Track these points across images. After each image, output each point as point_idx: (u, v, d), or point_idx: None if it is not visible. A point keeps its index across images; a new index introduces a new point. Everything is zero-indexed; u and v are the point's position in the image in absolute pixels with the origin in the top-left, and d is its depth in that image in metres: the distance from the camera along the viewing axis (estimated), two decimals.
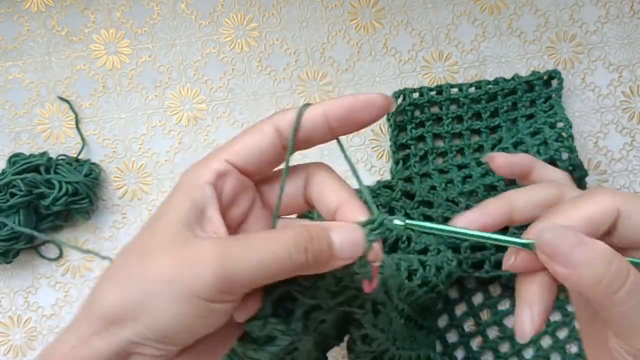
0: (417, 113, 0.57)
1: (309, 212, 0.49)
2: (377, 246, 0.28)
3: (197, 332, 0.26)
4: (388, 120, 0.57)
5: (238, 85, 0.60)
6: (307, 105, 0.28)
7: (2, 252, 0.54)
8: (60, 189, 0.54)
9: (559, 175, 0.36)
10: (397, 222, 0.28)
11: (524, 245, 0.28)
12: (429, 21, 0.60)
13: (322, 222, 0.28)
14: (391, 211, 0.54)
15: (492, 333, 0.56)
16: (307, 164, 0.31)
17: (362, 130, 0.59)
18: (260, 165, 0.29)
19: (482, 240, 0.29)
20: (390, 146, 0.57)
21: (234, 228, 0.30)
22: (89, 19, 0.61)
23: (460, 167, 0.56)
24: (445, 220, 0.53)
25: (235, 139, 0.29)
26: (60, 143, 0.59)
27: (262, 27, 0.60)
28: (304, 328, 0.29)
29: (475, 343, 0.56)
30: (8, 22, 0.61)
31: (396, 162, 0.57)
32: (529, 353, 0.55)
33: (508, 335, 0.55)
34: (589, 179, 0.56)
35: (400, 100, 0.57)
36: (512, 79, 0.57)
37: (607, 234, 0.29)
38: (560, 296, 0.55)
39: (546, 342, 0.55)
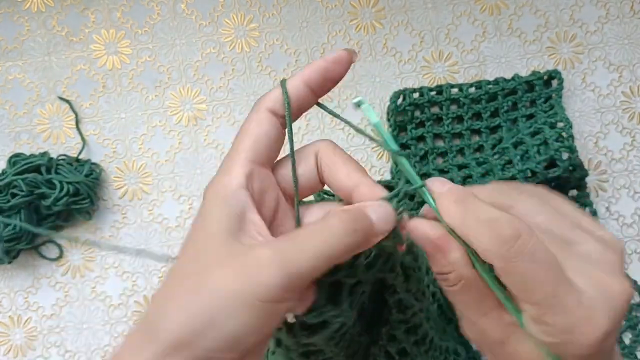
0: (417, 113, 0.57)
1: (323, 191, 0.49)
2: (405, 215, 0.30)
3: (266, 333, 0.27)
4: (388, 120, 0.57)
5: (238, 85, 0.60)
6: (284, 80, 0.31)
7: (4, 252, 0.54)
8: (62, 189, 0.54)
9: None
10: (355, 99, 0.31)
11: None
12: (429, 21, 0.60)
13: (356, 203, 0.30)
14: None
15: None
16: (313, 144, 0.32)
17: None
18: (271, 151, 0.31)
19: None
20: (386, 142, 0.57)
21: (268, 225, 0.31)
22: (89, 19, 0.61)
23: (460, 167, 0.56)
24: None
25: (242, 137, 0.30)
26: (60, 143, 0.59)
27: (262, 27, 0.60)
28: (350, 306, 0.31)
29: None
30: (8, 22, 0.61)
31: (396, 164, 0.57)
32: None
33: None
34: (589, 179, 0.56)
35: (400, 100, 0.57)
36: (513, 79, 0.57)
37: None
38: None
39: None
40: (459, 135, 0.58)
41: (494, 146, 0.56)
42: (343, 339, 0.33)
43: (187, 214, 0.58)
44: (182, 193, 0.58)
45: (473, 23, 0.60)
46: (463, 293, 0.29)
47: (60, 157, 0.57)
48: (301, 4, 0.60)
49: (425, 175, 0.57)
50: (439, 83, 0.59)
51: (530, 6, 0.60)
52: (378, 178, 0.58)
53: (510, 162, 0.53)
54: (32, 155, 0.56)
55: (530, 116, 0.57)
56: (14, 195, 0.54)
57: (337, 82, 0.31)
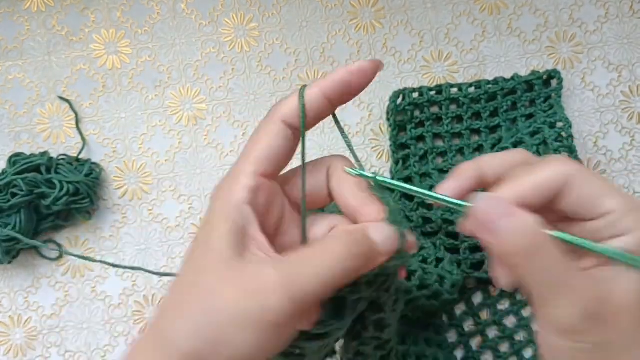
0: (416, 113, 0.57)
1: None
2: (409, 237, 0.30)
3: (273, 351, 0.28)
4: (388, 120, 0.57)
5: (238, 85, 0.60)
6: (303, 87, 0.30)
7: (4, 252, 0.54)
8: (62, 189, 0.54)
9: (512, 156, 0.33)
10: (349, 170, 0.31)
11: (461, 206, 0.30)
12: (429, 21, 0.60)
13: (357, 224, 0.30)
14: None
15: (492, 333, 0.56)
16: (327, 158, 0.32)
17: (362, 130, 0.59)
18: (280, 163, 0.30)
19: (432, 199, 0.31)
20: (390, 146, 0.57)
21: (271, 235, 0.31)
22: (89, 19, 0.61)
23: None
24: (445, 221, 0.53)
25: (252, 147, 0.30)
26: (60, 143, 0.59)
27: (262, 27, 0.60)
28: (350, 318, 0.31)
29: (475, 343, 0.56)
30: (8, 22, 0.61)
31: (396, 162, 0.57)
32: (528, 353, 0.55)
33: (508, 335, 0.55)
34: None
35: (400, 100, 0.57)
36: (512, 78, 0.57)
37: (557, 201, 0.29)
38: None
39: None
40: (459, 135, 0.58)
41: (493, 146, 0.56)
42: (329, 345, 0.34)
43: (187, 214, 0.58)
44: (182, 193, 0.58)
45: (473, 23, 0.60)
46: (557, 254, 0.28)
47: (60, 157, 0.57)
48: (301, 4, 0.61)
49: (425, 175, 0.57)
50: (439, 83, 0.59)
51: (529, 6, 0.60)
52: (355, 93, 0.58)
53: None
54: (32, 155, 0.56)
55: (530, 116, 0.57)
56: (14, 195, 0.54)
57: (358, 93, 0.31)
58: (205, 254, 0.28)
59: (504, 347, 0.55)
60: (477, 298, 0.56)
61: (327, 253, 0.27)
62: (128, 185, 0.59)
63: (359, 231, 0.28)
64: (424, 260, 0.52)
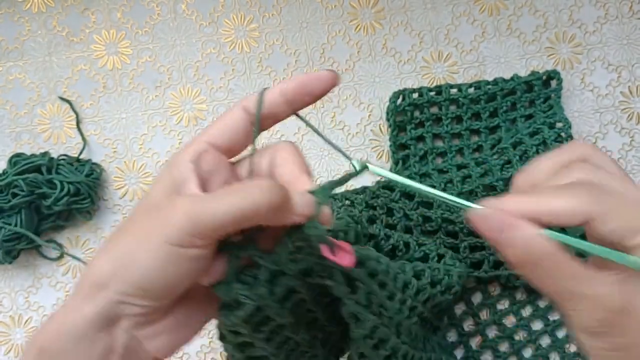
0: (416, 113, 0.58)
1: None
2: (326, 209, 0.30)
3: (171, 284, 0.28)
4: (388, 120, 0.57)
5: (238, 85, 0.60)
6: (266, 88, 0.32)
7: (5, 252, 0.54)
8: (62, 189, 0.54)
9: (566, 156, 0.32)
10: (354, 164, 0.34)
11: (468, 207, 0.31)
12: (429, 22, 0.60)
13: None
14: (390, 212, 0.55)
15: (492, 332, 0.56)
16: (276, 144, 0.33)
17: (361, 131, 0.59)
18: (233, 141, 0.32)
19: (434, 197, 0.32)
20: (390, 146, 0.58)
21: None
22: (89, 20, 0.61)
23: (459, 167, 0.57)
24: (445, 221, 0.53)
25: (212, 123, 0.33)
26: (61, 143, 0.60)
27: (262, 27, 0.61)
28: (270, 294, 0.30)
29: (475, 342, 0.56)
30: (9, 23, 0.61)
31: (396, 162, 0.57)
32: (528, 352, 0.55)
33: (507, 334, 0.55)
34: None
35: (399, 100, 0.57)
36: (512, 79, 0.57)
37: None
38: None
39: (545, 341, 0.55)
40: (458, 135, 0.58)
41: (493, 146, 0.57)
42: (273, 336, 0.33)
43: None
44: None
45: (472, 23, 0.60)
46: (563, 263, 0.28)
47: (60, 157, 0.57)
48: (301, 5, 0.61)
49: (425, 175, 0.57)
50: (439, 83, 0.59)
51: (529, 7, 0.60)
52: (378, 178, 0.58)
53: (509, 162, 0.53)
54: (32, 155, 0.56)
55: (529, 116, 0.57)
56: (14, 195, 0.54)
57: (316, 98, 0.33)
58: (143, 200, 0.31)
59: (504, 347, 0.55)
60: (477, 298, 0.56)
61: (242, 189, 0.28)
62: (128, 186, 0.59)
63: (281, 185, 0.29)
64: (426, 257, 0.52)
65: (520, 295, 0.56)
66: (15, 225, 0.54)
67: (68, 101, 0.60)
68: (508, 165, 0.53)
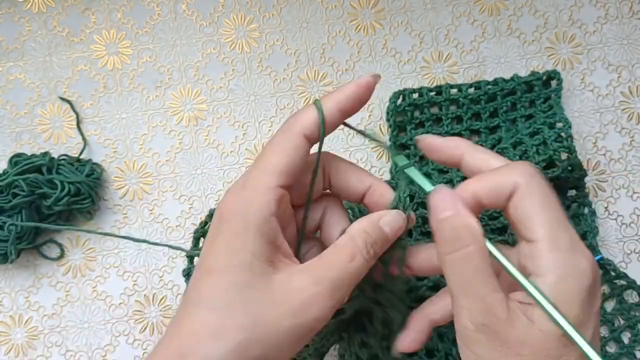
0: (416, 113, 0.58)
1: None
2: (412, 215, 0.35)
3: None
4: (388, 120, 0.57)
5: (238, 85, 0.60)
6: (318, 101, 0.32)
7: (4, 253, 0.54)
8: (63, 189, 0.54)
9: (496, 162, 0.34)
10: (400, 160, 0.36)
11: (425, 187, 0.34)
12: (429, 22, 0.60)
13: (372, 214, 0.33)
14: None
15: None
16: (315, 154, 0.33)
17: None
18: (297, 175, 0.32)
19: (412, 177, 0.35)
20: (390, 146, 0.58)
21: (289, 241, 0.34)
22: (89, 20, 0.61)
23: None
24: None
25: (271, 157, 0.31)
26: (61, 143, 0.60)
27: (262, 27, 0.61)
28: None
29: None
30: (9, 23, 0.61)
31: (395, 162, 0.57)
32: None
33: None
34: (587, 179, 0.57)
35: (400, 100, 0.57)
36: (512, 79, 0.57)
37: (507, 209, 0.31)
38: None
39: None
40: (458, 135, 0.58)
41: (493, 146, 0.57)
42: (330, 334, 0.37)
43: (188, 214, 0.58)
44: (183, 193, 0.59)
45: (472, 24, 0.60)
46: (475, 261, 0.29)
47: (61, 157, 0.58)
48: (301, 5, 0.61)
49: (425, 175, 0.56)
50: (439, 83, 0.59)
51: (529, 7, 0.60)
52: (362, 106, 0.59)
53: None
54: (33, 155, 0.56)
55: (529, 116, 0.57)
56: (15, 195, 0.54)
57: (363, 105, 0.34)
58: (241, 269, 0.29)
59: None
60: None
61: (351, 255, 0.30)
62: (129, 186, 0.59)
63: (374, 226, 0.32)
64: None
65: None
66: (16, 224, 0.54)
67: (68, 101, 0.60)
68: None
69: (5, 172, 0.55)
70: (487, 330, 0.28)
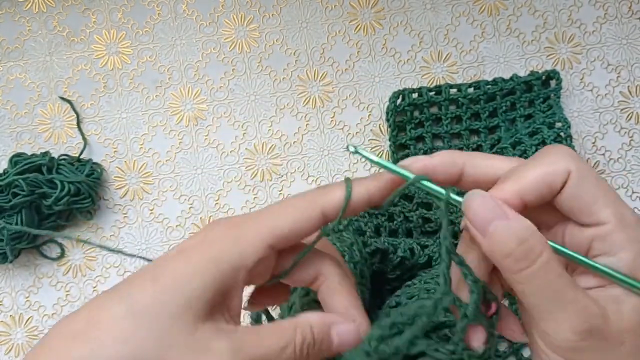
0: (416, 113, 0.58)
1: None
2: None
3: None
4: (387, 120, 0.57)
5: (238, 85, 0.60)
6: (349, 182, 0.29)
7: (4, 253, 0.55)
8: (63, 189, 0.54)
9: (503, 163, 0.30)
10: (350, 148, 0.31)
11: (441, 194, 0.29)
12: (428, 22, 0.60)
13: (325, 317, 0.30)
14: (390, 217, 0.55)
15: None
16: (322, 257, 0.31)
17: (361, 131, 0.59)
18: (295, 241, 0.30)
19: (403, 177, 0.30)
20: (390, 146, 0.58)
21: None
22: (89, 20, 0.61)
23: None
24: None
25: (281, 216, 0.29)
26: (61, 143, 0.60)
27: (262, 27, 0.61)
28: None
29: None
30: (9, 23, 0.61)
31: (395, 162, 0.57)
32: (527, 352, 0.55)
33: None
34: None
35: (399, 100, 0.57)
36: (511, 79, 0.57)
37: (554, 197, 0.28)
38: None
39: None
40: (458, 135, 0.58)
41: (492, 146, 0.57)
42: None
43: (188, 214, 0.58)
44: (183, 193, 0.59)
45: (472, 23, 0.60)
46: (555, 265, 0.26)
47: (61, 157, 0.58)
48: (301, 5, 0.61)
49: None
50: (438, 83, 0.59)
51: (528, 7, 0.60)
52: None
53: None
54: (33, 155, 0.56)
55: (529, 116, 0.57)
56: (15, 195, 0.54)
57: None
58: (182, 299, 0.26)
59: (503, 346, 0.55)
60: None
61: (283, 340, 0.27)
62: (129, 185, 0.59)
63: (323, 330, 0.29)
64: (429, 261, 0.52)
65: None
66: (17, 225, 0.54)
67: (69, 101, 0.60)
68: None
69: (5, 172, 0.55)
70: (593, 333, 0.26)
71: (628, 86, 0.59)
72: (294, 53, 0.60)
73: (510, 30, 0.60)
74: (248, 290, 0.32)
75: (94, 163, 0.58)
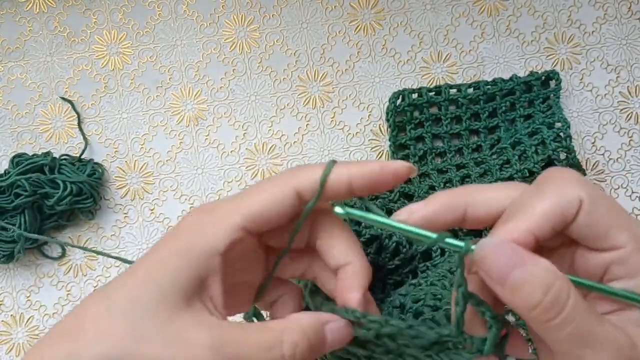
0: (416, 113, 0.58)
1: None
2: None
3: None
4: (387, 120, 0.58)
5: (239, 85, 0.60)
6: (332, 163, 0.28)
7: (8, 254, 0.55)
8: (65, 189, 0.54)
9: (504, 192, 0.28)
10: (337, 209, 0.29)
11: (460, 249, 0.27)
12: (428, 22, 0.60)
13: (318, 317, 0.29)
14: (389, 213, 0.55)
15: None
16: (315, 214, 0.30)
17: (361, 131, 0.60)
18: (271, 224, 0.28)
19: (416, 237, 0.28)
20: (390, 146, 0.58)
21: (240, 291, 0.30)
22: (90, 20, 0.61)
23: (458, 167, 0.57)
24: None
25: (252, 196, 0.28)
26: (62, 143, 0.60)
27: (262, 28, 0.61)
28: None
29: None
30: (10, 23, 0.61)
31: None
32: None
33: None
34: (587, 179, 0.57)
35: (399, 100, 0.57)
36: (511, 79, 0.57)
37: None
38: None
39: None
40: (458, 135, 0.58)
41: (492, 146, 0.57)
42: None
43: None
44: (184, 193, 0.59)
45: (472, 24, 0.60)
46: (581, 307, 0.25)
47: (62, 157, 0.58)
48: (301, 5, 0.61)
49: (424, 175, 0.57)
50: (438, 84, 0.59)
51: (528, 7, 0.60)
52: (380, 191, 0.58)
53: (508, 162, 0.54)
54: (35, 155, 0.57)
55: (528, 116, 0.57)
56: (17, 195, 0.54)
57: (381, 191, 0.30)
58: (152, 286, 0.26)
59: None
60: None
61: (269, 341, 0.26)
62: (130, 185, 0.59)
63: (316, 333, 0.28)
64: (429, 253, 0.52)
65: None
66: (19, 226, 0.54)
67: (69, 101, 0.60)
68: (507, 165, 0.54)
69: (7, 172, 0.55)
70: None
71: (627, 86, 0.59)
72: (294, 53, 0.60)
73: (510, 31, 0.60)
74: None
75: (95, 163, 0.58)
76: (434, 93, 0.58)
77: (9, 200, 0.54)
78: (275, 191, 0.28)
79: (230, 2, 0.61)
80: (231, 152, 0.59)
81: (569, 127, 0.54)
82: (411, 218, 0.28)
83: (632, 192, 0.58)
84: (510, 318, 0.30)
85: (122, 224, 0.59)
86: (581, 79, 0.59)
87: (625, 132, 0.59)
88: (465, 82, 0.59)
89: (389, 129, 0.58)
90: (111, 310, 0.25)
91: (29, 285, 0.58)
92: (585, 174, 0.54)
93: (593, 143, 0.59)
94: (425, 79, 0.60)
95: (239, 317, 0.34)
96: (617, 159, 0.58)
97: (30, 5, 0.61)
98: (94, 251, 0.57)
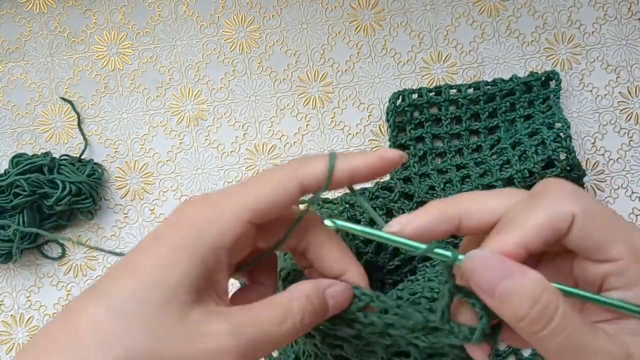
0: (416, 114, 0.58)
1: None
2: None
3: None
4: (387, 121, 0.58)
5: (239, 86, 0.60)
6: (333, 156, 0.28)
7: (6, 253, 0.55)
8: (64, 189, 0.54)
9: (500, 202, 0.28)
10: (327, 222, 0.30)
11: (449, 259, 0.27)
12: (428, 23, 0.60)
13: (318, 283, 0.29)
14: (389, 212, 0.55)
15: None
16: (305, 221, 0.31)
17: (361, 131, 0.60)
18: (274, 216, 0.29)
19: (407, 248, 0.28)
20: (390, 147, 0.58)
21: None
22: (90, 20, 0.61)
23: (459, 167, 0.57)
24: None
25: (256, 189, 0.28)
26: (62, 143, 0.60)
27: (262, 28, 0.61)
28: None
29: None
30: (10, 23, 0.61)
31: None
32: (526, 351, 0.55)
33: None
34: (586, 179, 0.57)
35: (399, 101, 0.57)
36: (511, 79, 0.57)
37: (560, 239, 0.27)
38: None
39: None
40: (458, 135, 0.58)
41: (492, 146, 0.57)
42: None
43: None
44: (184, 193, 0.59)
45: (472, 24, 0.60)
46: (572, 317, 0.25)
47: (62, 157, 0.58)
48: (301, 6, 0.61)
49: (424, 176, 0.57)
50: (438, 84, 0.59)
51: (528, 7, 0.60)
52: (377, 179, 0.58)
53: (508, 162, 0.54)
54: (34, 155, 0.57)
55: (528, 117, 0.57)
56: (16, 195, 0.54)
57: (378, 178, 0.31)
58: (165, 291, 0.25)
59: (502, 345, 0.56)
60: None
61: (279, 314, 0.27)
62: (130, 185, 0.59)
63: (317, 291, 0.29)
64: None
65: None
66: (18, 225, 0.54)
67: (69, 101, 0.60)
68: (507, 166, 0.53)
69: (6, 172, 0.55)
70: None
71: (627, 87, 0.59)
72: (294, 54, 0.60)
73: (510, 31, 0.60)
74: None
75: (95, 163, 0.58)
76: (434, 93, 0.58)
77: (8, 200, 0.54)
78: (281, 185, 0.28)
79: (230, 3, 0.61)
80: (231, 152, 0.59)
81: (569, 127, 0.54)
82: (404, 230, 0.28)
83: (632, 192, 0.58)
84: None
85: (122, 224, 0.59)
86: (581, 80, 0.59)
87: (625, 133, 0.59)
88: (465, 82, 0.59)
89: (389, 129, 0.58)
90: (116, 312, 0.24)
91: (29, 285, 0.58)
92: (585, 174, 0.54)
93: (593, 143, 0.59)
94: (425, 79, 0.60)
95: None
96: (617, 159, 0.58)
97: (30, 6, 0.61)
98: (91, 247, 0.57)
